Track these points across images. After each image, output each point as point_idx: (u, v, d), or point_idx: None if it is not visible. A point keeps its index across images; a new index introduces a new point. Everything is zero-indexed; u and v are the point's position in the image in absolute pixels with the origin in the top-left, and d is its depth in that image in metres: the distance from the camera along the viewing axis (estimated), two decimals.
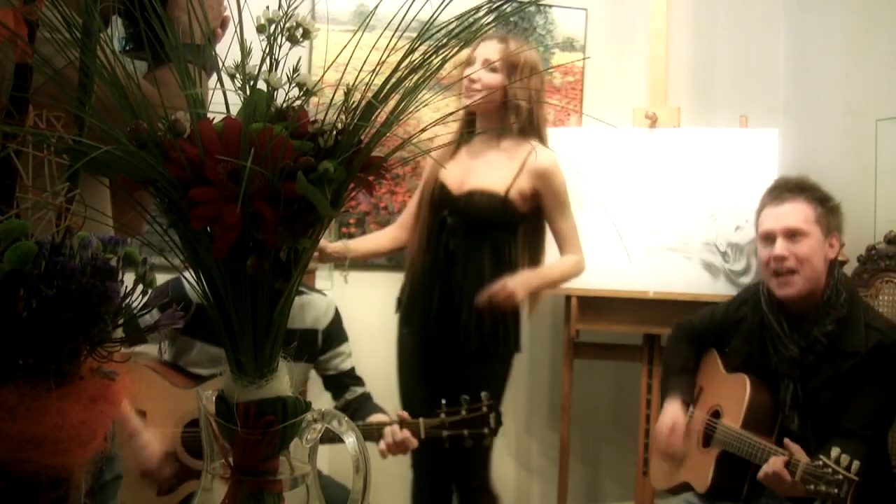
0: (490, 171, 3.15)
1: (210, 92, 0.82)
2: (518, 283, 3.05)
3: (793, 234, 2.76)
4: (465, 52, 3.10)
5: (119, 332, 0.81)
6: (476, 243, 3.11)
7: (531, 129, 3.15)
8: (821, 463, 2.39)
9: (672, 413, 2.97)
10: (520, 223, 3.17)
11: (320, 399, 3.16)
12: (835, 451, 2.39)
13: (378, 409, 2.94)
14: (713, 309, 3.13)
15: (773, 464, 2.51)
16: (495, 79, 3.14)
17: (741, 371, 2.88)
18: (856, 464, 2.35)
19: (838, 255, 2.80)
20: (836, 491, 2.34)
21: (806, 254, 2.73)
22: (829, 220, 2.77)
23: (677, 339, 3.13)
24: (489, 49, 3.14)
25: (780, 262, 2.75)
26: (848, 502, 2.35)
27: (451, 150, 3.22)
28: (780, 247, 2.76)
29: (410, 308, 3.21)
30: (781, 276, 2.75)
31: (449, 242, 3.11)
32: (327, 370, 3.00)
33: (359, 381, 3.02)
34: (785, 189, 2.83)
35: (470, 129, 3.23)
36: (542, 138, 3.18)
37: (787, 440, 2.55)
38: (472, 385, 2.96)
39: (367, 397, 3.00)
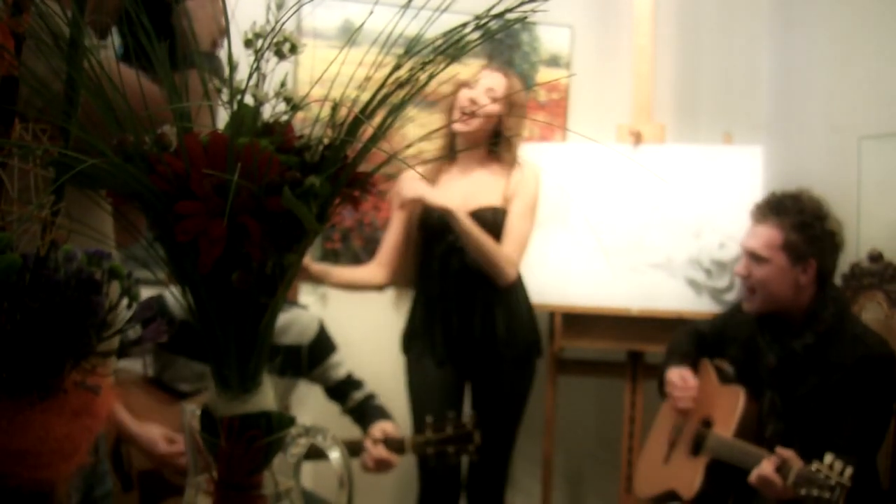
0: (485, 188, 3.23)
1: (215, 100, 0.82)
2: (425, 189, 3.12)
3: (755, 257, 2.80)
4: (464, 74, 3.20)
5: (104, 346, 0.81)
6: None
7: (511, 158, 3.27)
8: (814, 468, 2.39)
9: (677, 369, 2.99)
10: None
11: (303, 414, 3.15)
12: (828, 457, 2.40)
13: (382, 414, 2.95)
14: (716, 316, 3.20)
15: (766, 466, 2.51)
16: (495, 108, 3.20)
17: (737, 382, 2.89)
18: (849, 470, 2.34)
19: (830, 275, 2.80)
20: (828, 495, 2.34)
21: (762, 279, 2.78)
22: (802, 247, 2.75)
23: (681, 334, 3.13)
24: (494, 80, 3.23)
25: (742, 279, 2.87)
26: None
27: (436, 172, 3.27)
28: (741, 265, 2.87)
29: (432, 336, 3.23)
30: (745, 291, 2.87)
31: (465, 262, 3.15)
32: (324, 383, 3.02)
33: (357, 386, 3.03)
34: (766, 208, 2.84)
35: (451, 148, 3.27)
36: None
37: (779, 447, 2.55)
38: (504, 393, 3.27)
39: (367, 402, 3.01)
